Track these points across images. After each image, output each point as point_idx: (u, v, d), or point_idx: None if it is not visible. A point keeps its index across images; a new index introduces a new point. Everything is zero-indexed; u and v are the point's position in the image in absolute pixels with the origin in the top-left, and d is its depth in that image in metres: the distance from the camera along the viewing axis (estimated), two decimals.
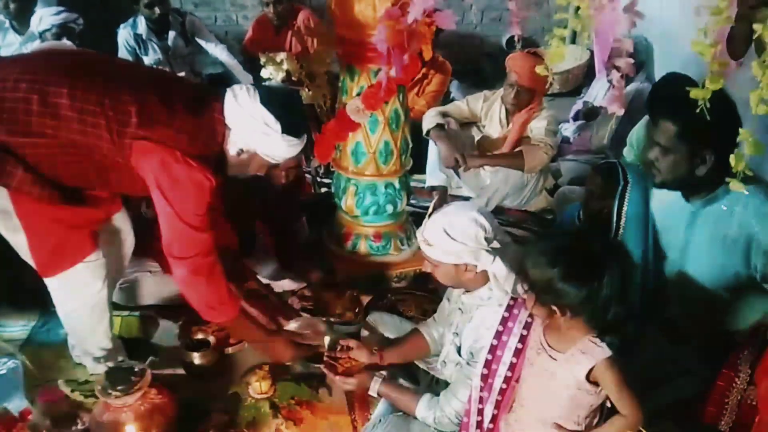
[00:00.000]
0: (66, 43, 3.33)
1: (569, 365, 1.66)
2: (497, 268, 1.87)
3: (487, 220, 1.90)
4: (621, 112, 1.56)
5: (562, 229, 2.98)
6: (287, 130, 1.99)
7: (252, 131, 1.98)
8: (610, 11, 1.48)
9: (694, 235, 2.19)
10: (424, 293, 2.85)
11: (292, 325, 2.41)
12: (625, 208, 2.32)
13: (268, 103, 1.97)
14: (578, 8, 1.63)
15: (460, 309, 2.06)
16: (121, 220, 2.36)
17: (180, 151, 1.91)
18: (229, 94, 1.99)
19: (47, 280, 2.16)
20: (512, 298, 1.88)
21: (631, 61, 1.52)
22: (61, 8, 3.81)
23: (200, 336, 2.50)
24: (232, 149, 2.02)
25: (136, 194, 2.16)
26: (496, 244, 1.89)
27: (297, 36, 4.41)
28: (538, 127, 3.44)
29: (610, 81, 1.59)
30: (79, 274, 2.14)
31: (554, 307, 1.62)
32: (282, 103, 2.02)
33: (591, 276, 1.58)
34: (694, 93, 1.27)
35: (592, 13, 1.52)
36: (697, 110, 1.28)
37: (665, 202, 2.27)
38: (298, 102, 2.14)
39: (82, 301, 2.20)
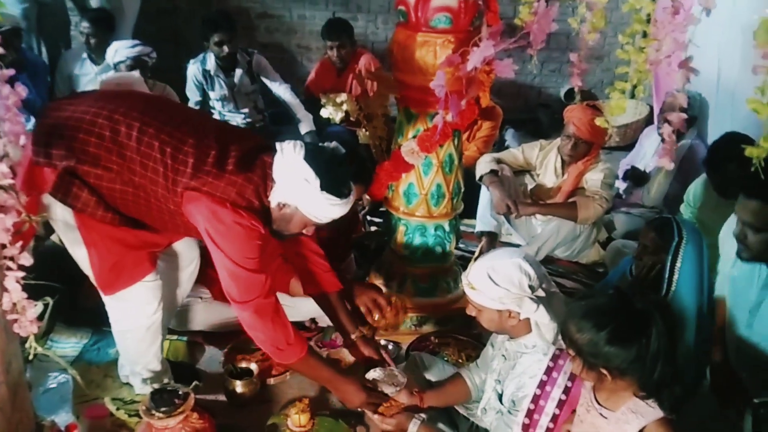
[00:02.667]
0: (135, 74, 3.47)
1: (619, 425, 1.62)
2: (540, 316, 1.86)
3: (533, 267, 1.89)
4: (671, 166, 1.55)
5: (602, 287, 2.93)
6: (328, 188, 1.97)
7: (292, 185, 1.99)
8: (666, 66, 1.49)
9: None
10: (467, 338, 2.83)
11: (373, 374, 2.30)
12: (678, 264, 2.28)
13: (313, 159, 1.98)
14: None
15: (503, 355, 2.04)
16: (187, 247, 2.42)
17: (229, 202, 1.96)
18: (278, 148, 2.03)
19: (106, 299, 2.24)
20: (558, 348, 1.85)
21: (684, 116, 1.50)
22: (136, 42, 4.00)
23: (244, 364, 2.53)
24: (273, 201, 2.03)
25: (192, 237, 2.23)
26: (540, 293, 1.87)
27: (358, 79, 4.51)
28: (593, 179, 3.42)
29: (660, 135, 1.57)
30: (137, 294, 2.20)
31: (604, 371, 1.59)
32: (329, 162, 2.03)
33: (639, 334, 1.55)
34: (749, 151, 1.26)
35: (649, 68, 1.53)
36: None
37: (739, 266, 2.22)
38: (347, 163, 2.11)
39: (138, 321, 2.26)
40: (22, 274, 1.55)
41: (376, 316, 2.47)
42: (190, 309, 2.76)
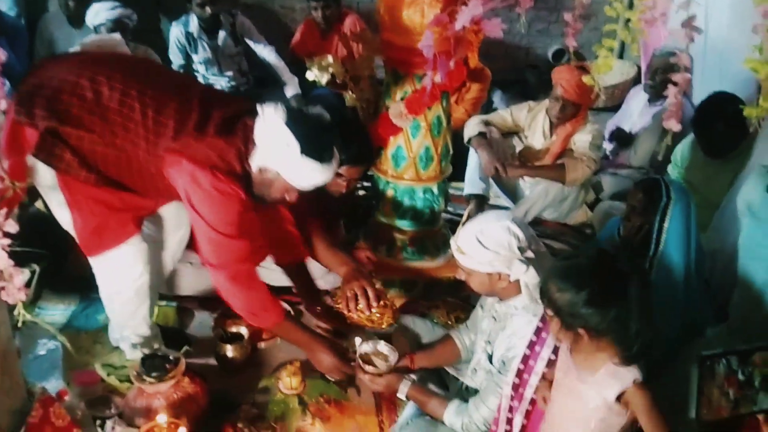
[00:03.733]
0: (116, 37, 3.40)
1: (598, 388, 1.62)
2: (530, 277, 1.86)
3: (521, 229, 1.90)
4: (678, 128, 1.53)
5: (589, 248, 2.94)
6: (308, 152, 1.93)
7: (272, 149, 1.96)
8: (661, 24, 1.47)
9: None
10: (456, 300, 2.85)
11: (365, 347, 2.24)
12: (666, 224, 2.29)
13: (294, 123, 1.94)
14: (628, 20, 1.62)
15: (493, 317, 2.05)
16: (176, 212, 2.39)
17: (210, 166, 1.94)
18: (260, 112, 1.99)
19: (92, 261, 2.23)
20: None
21: (689, 76, 1.49)
22: (116, 3, 3.89)
23: (234, 329, 2.54)
24: (253, 166, 2.01)
25: (176, 200, 2.19)
26: (530, 254, 1.88)
27: (343, 40, 4.44)
28: (582, 140, 3.41)
29: (650, 92, 1.55)
30: (122, 256, 2.19)
31: (581, 331, 1.59)
32: (311, 127, 1.99)
33: (618, 295, 1.55)
34: (747, 111, 1.26)
35: (643, 26, 1.51)
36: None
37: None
38: (332, 128, 2.09)
39: (123, 283, 2.26)
40: (7, 241, 1.53)
41: (359, 306, 2.36)
42: (179, 274, 2.75)
